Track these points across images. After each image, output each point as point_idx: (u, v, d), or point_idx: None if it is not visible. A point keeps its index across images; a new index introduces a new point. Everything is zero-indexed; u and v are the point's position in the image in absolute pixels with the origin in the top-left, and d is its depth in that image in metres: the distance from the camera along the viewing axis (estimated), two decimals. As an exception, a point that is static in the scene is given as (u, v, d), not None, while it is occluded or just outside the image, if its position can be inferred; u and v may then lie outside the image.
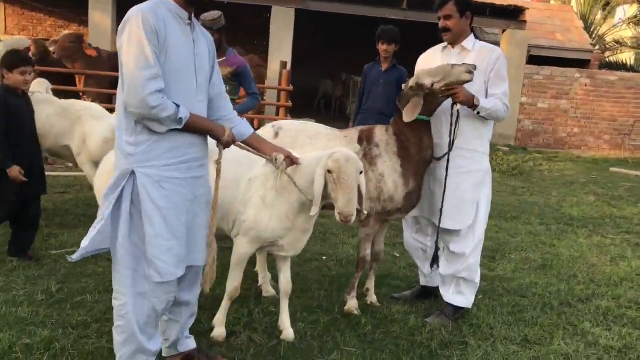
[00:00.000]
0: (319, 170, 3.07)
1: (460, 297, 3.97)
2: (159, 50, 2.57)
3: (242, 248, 3.35)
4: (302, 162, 3.18)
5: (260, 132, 4.21)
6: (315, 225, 5.71)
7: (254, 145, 3.10)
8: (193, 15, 2.79)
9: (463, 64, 3.58)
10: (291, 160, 3.13)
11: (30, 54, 8.78)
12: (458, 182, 3.81)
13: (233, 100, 5.15)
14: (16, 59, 4.32)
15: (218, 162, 2.84)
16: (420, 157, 3.76)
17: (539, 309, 4.29)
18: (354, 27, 15.33)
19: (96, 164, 5.09)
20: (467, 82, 3.56)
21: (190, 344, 3.16)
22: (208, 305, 3.73)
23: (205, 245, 2.93)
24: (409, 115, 3.61)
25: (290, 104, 9.31)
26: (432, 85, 3.58)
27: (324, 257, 5.10)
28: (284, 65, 10.92)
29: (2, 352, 3.10)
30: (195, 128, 2.72)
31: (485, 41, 4.16)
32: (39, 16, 18.14)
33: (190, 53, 2.72)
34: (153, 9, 2.59)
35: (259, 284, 4.27)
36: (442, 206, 3.80)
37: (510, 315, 4.14)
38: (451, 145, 3.75)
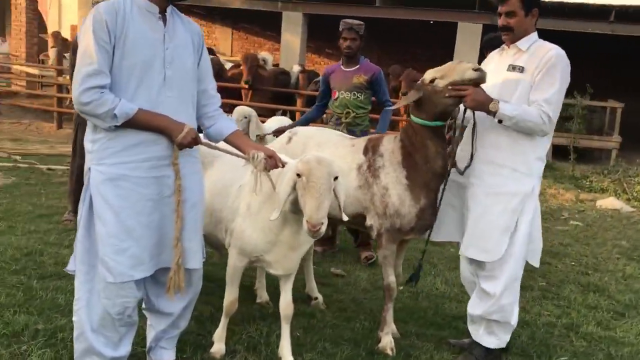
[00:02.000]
0: (289, 174, 2.75)
1: (492, 337, 3.33)
2: (115, 46, 2.53)
3: (232, 260, 3.13)
4: (285, 167, 2.85)
5: (278, 138, 3.99)
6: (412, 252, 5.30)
7: (234, 143, 2.87)
8: (172, 8, 2.72)
9: (469, 62, 3.11)
10: (275, 162, 2.82)
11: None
12: (487, 204, 3.20)
13: (366, 112, 5.02)
14: None
15: (174, 164, 2.66)
16: (427, 168, 3.26)
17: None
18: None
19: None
20: (475, 80, 3.03)
21: (164, 355, 3.02)
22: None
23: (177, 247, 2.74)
24: (399, 102, 3.30)
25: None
26: (433, 80, 3.11)
27: (401, 287, 4.57)
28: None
29: (12, 332, 3.29)
30: (145, 125, 2.59)
31: None
32: (259, 40, 19.83)
33: (158, 47, 2.62)
34: (112, 5, 2.55)
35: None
36: (466, 229, 3.26)
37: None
38: (471, 157, 3.23)
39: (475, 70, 3.03)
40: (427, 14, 11.93)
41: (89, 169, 2.64)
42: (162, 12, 2.66)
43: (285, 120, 5.71)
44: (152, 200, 2.66)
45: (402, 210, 3.30)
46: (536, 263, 3.38)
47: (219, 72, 9.69)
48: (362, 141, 3.63)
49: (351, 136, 4.02)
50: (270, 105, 9.18)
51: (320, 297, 4.09)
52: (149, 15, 2.62)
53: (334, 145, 3.67)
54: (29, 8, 14.47)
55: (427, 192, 3.31)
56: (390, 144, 3.43)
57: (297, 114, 9.69)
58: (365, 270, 4.84)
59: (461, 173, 3.33)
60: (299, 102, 9.40)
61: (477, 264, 3.32)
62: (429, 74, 3.18)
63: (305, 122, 5.22)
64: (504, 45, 3.35)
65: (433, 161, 3.26)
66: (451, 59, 11.23)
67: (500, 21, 3.21)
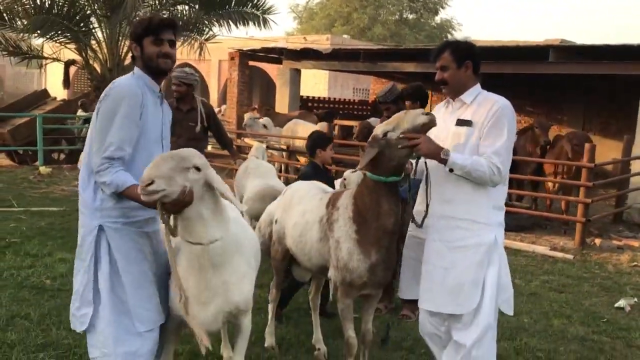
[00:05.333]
0: None
1: None
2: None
3: None
4: None
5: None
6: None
7: None
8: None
9: (417, 109, 3.16)
10: None
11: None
12: (453, 259, 3.17)
13: None
14: (327, 139, 4.95)
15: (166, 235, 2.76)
16: (378, 225, 3.23)
17: None
18: None
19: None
20: (426, 125, 3.07)
21: None
22: None
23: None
24: (360, 164, 3.22)
25: (590, 183, 7.86)
26: (385, 134, 3.11)
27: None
28: (628, 140, 9.30)
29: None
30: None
31: None
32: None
33: (159, 124, 2.99)
34: (137, 83, 2.85)
35: None
36: (432, 285, 3.23)
37: None
38: (426, 208, 3.24)
39: (426, 114, 3.08)
40: (603, 67, 10.94)
41: (99, 226, 2.82)
42: (160, 89, 2.99)
43: None
44: (160, 250, 2.96)
45: (350, 264, 3.32)
46: (510, 311, 3.31)
47: (367, 135, 10.16)
48: (328, 195, 3.72)
49: (331, 190, 4.08)
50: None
51: (323, 349, 4.15)
52: (153, 95, 2.93)
53: (309, 199, 3.80)
54: (240, 81, 16.75)
55: (378, 248, 3.28)
56: (346, 199, 3.47)
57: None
58: (398, 330, 4.72)
59: (419, 226, 3.31)
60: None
61: (453, 317, 3.24)
62: (380, 128, 3.18)
63: None
64: (448, 99, 3.35)
65: (384, 219, 3.24)
66: (635, 113, 10.20)
67: (437, 75, 3.28)
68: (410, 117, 3.08)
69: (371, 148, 3.18)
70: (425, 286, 3.29)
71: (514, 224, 8.30)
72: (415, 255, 3.41)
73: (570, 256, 7.43)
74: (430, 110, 3.44)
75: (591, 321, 5.17)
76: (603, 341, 4.72)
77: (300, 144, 11.31)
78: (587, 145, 7.94)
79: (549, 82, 14.89)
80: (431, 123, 3.07)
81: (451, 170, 3.07)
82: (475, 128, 3.14)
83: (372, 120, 11.86)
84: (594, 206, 9.01)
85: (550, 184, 8.67)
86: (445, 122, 3.26)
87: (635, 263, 7.24)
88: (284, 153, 12.11)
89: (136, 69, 2.94)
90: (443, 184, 3.20)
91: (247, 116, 13.78)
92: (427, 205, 3.25)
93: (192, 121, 5.92)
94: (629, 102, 11.85)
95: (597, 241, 8.10)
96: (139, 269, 2.84)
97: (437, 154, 3.04)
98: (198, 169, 2.64)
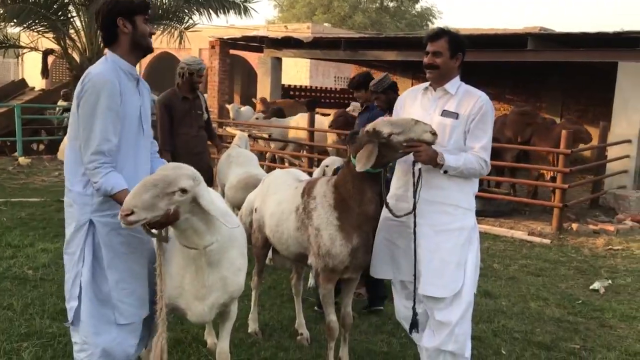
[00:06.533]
0: None
1: None
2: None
3: None
4: None
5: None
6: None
7: None
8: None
9: (427, 123, 3.14)
10: None
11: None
12: (438, 241, 3.24)
13: None
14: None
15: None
16: (361, 211, 3.31)
17: None
18: None
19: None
20: (428, 143, 3.12)
21: None
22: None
23: None
24: (362, 163, 3.13)
25: (567, 169, 8.01)
26: (390, 135, 3.13)
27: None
28: (604, 127, 9.47)
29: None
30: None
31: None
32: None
33: (137, 107, 2.93)
34: (111, 73, 2.79)
35: None
36: (415, 270, 3.28)
37: None
38: (414, 207, 3.23)
39: (433, 134, 3.12)
40: (581, 55, 11.10)
41: (90, 220, 2.85)
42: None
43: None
44: (148, 243, 2.95)
45: (332, 250, 3.36)
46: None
47: (342, 124, 10.21)
48: (303, 184, 3.74)
49: (306, 177, 4.11)
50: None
51: (305, 333, 4.23)
52: (129, 77, 2.87)
53: (284, 188, 3.85)
54: (221, 70, 16.70)
55: (359, 232, 3.35)
56: (323, 187, 3.50)
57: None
58: (379, 314, 4.82)
59: (397, 216, 3.30)
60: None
61: (432, 299, 3.29)
62: (386, 128, 3.13)
63: None
64: (427, 86, 3.40)
65: (367, 205, 3.30)
66: (611, 100, 10.40)
67: (427, 59, 3.31)
68: (419, 130, 3.09)
69: (372, 145, 3.13)
70: (417, 269, 3.29)
71: (493, 210, 8.44)
72: (388, 236, 3.43)
73: (547, 241, 7.59)
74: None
75: (567, 303, 5.30)
76: (578, 322, 4.86)
77: (303, 134, 11.27)
78: (563, 132, 8.08)
79: (527, 70, 15.05)
80: (433, 143, 3.13)
81: (445, 172, 3.19)
82: (460, 120, 3.23)
83: (351, 106, 11.92)
84: (571, 192, 9.19)
85: (546, 173, 8.83)
86: (425, 109, 3.33)
87: (610, 247, 7.42)
88: (277, 143, 12.07)
89: (109, 54, 2.86)
90: (431, 171, 3.22)
91: (231, 107, 13.78)
92: (415, 202, 3.22)
93: (199, 109, 5.83)
94: (606, 90, 12.05)
95: (574, 226, 8.26)
96: (124, 264, 2.86)
97: (434, 160, 3.14)
98: (184, 190, 2.60)
